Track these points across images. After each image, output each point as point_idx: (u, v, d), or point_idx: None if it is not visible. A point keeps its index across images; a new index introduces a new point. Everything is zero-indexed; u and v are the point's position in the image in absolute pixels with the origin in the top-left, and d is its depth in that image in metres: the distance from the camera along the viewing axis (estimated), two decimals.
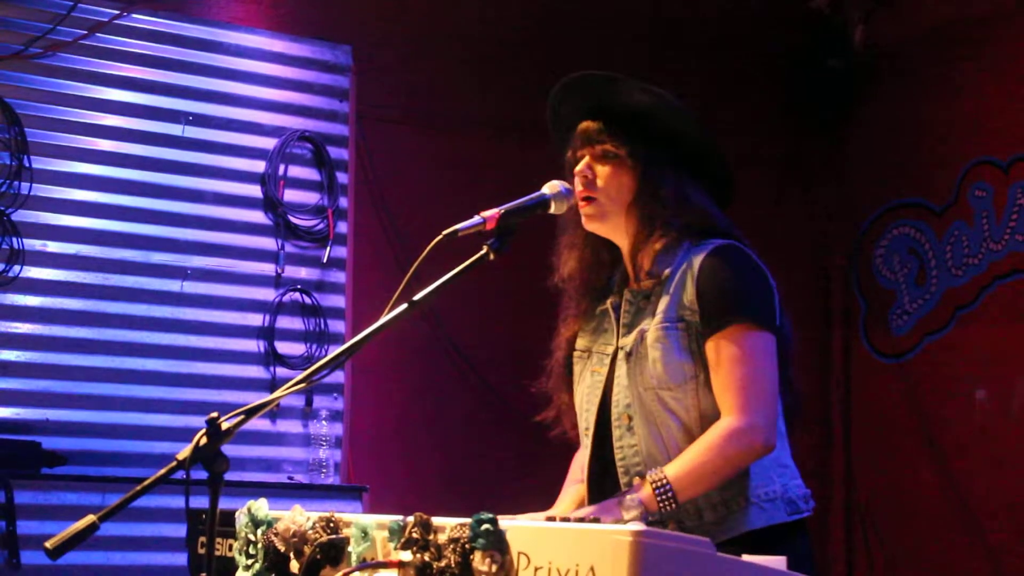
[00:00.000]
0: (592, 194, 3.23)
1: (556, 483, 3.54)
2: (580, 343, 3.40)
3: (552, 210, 3.14)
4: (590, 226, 3.28)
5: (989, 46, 6.73)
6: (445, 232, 2.85)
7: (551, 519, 2.76)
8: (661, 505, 2.95)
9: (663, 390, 3.14)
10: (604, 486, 3.26)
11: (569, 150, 3.32)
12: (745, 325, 3.11)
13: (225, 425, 2.50)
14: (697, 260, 3.18)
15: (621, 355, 3.23)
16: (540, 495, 3.50)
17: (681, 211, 3.24)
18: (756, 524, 3.11)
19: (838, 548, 7.20)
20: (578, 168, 3.25)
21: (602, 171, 3.24)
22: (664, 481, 2.96)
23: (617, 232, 3.28)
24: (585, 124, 3.28)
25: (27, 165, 5.26)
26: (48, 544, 2.40)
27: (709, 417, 3.12)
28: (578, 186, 3.24)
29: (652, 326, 3.17)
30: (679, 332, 3.15)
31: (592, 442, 3.30)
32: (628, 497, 2.94)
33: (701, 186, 3.30)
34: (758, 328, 3.12)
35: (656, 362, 3.14)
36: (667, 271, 3.21)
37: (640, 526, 2.28)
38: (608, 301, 3.34)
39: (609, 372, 3.27)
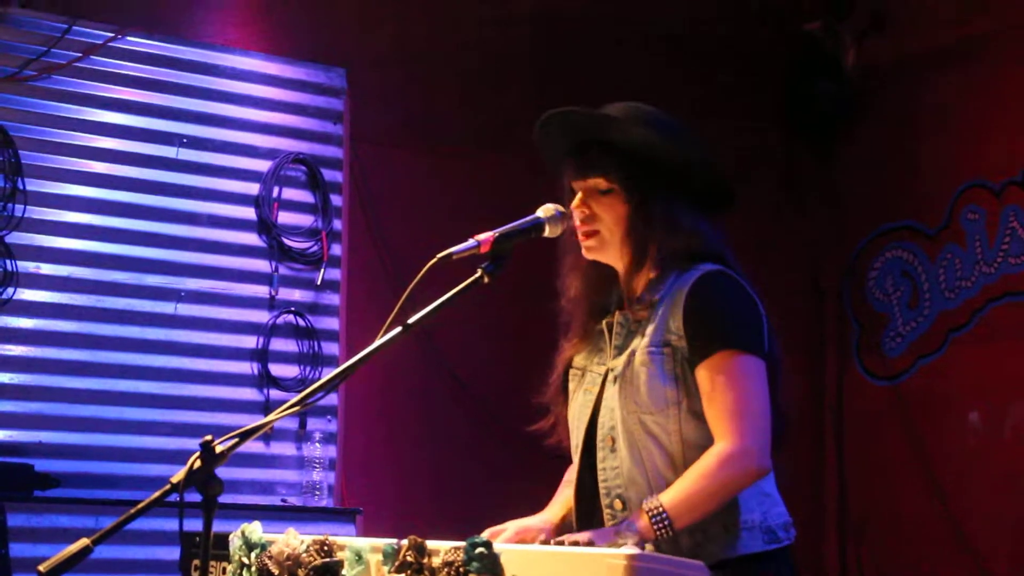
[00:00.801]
0: (592, 228, 3.25)
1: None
2: (577, 360, 3.41)
3: (547, 233, 3.15)
4: (589, 256, 3.30)
5: (982, 69, 6.75)
6: (439, 255, 2.86)
7: (545, 543, 2.76)
8: (658, 533, 2.94)
9: (645, 414, 3.15)
10: (590, 507, 3.26)
11: (564, 179, 3.34)
12: (734, 351, 3.10)
13: (219, 448, 2.50)
14: (685, 286, 3.18)
15: (611, 377, 3.24)
16: (534, 515, 3.49)
17: (673, 237, 3.24)
18: (732, 552, 3.09)
19: (832, 569, 7.19)
20: (575, 204, 3.26)
21: (597, 205, 3.25)
22: (660, 509, 2.95)
23: (614, 259, 3.29)
24: (572, 159, 3.30)
25: (21, 187, 5.26)
26: (41, 568, 2.39)
27: (691, 444, 3.12)
28: (577, 220, 3.25)
29: (640, 350, 3.18)
30: (664, 357, 3.15)
31: (580, 461, 3.31)
32: (624, 526, 2.93)
33: (695, 204, 3.30)
34: (747, 353, 3.12)
35: (641, 385, 3.15)
36: (656, 297, 3.22)
37: (634, 549, 2.29)
38: (604, 321, 3.35)
39: (599, 392, 3.28)
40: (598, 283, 3.38)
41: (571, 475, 3.47)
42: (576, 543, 2.73)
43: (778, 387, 3.20)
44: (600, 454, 3.23)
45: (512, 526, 3.26)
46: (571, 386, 3.40)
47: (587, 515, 3.26)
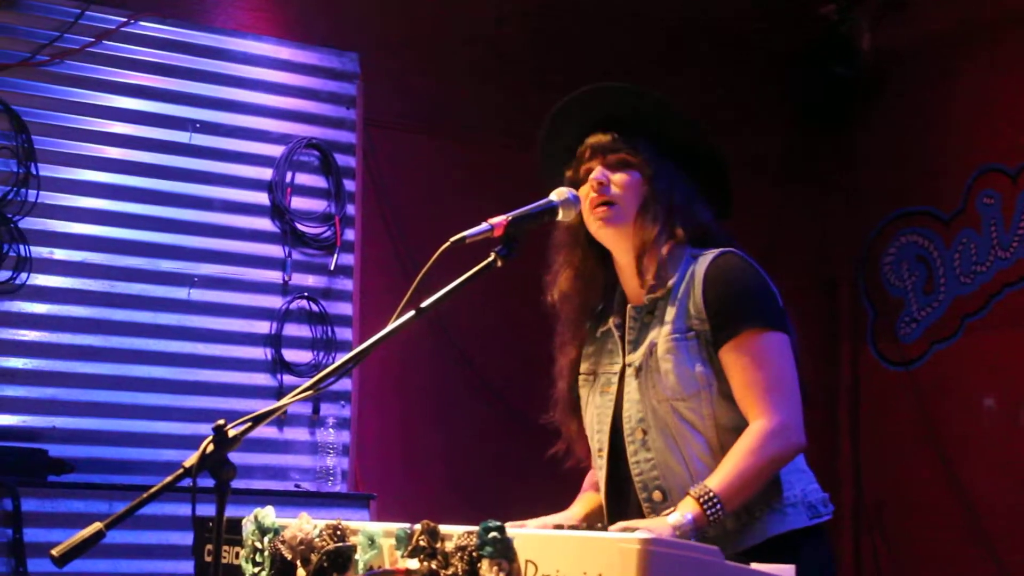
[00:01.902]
0: (609, 199, 3.22)
1: (564, 490, 3.53)
2: (584, 367, 3.39)
3: (560, 217, 3.13)
4: (602, 231, 3.25)
5: (997, 53, 6.72)
6: (453, 239, 2.84)
7: (559, 527, 2.75)
8: (711, 518, 2.91)
9: (677, 401, 3.13)
10: (621, 504, 3.24)
11: (569, 169, 3.31)
12: (758, 328, 3.10)
13: (232, 433, 2.50)
14: (700, 269, 3.18)
15: (630, 371, 3.22)
16: (548, 502, 3.49)
17: (687, 220, 3.24)
18: (778, 530, 3.10)
19: (846, 555, 7.18)
20: (593, 175, 3.24)
21: (617, 178, 3.23)
22: (711, 493, 2.92)
23: (622, 239, 3.26)
24: (597, 135, 3.28)
25: (34, 172, 5.27)
26: (54, 552, 2.39)
27: (724, 426, 3.11)
28: (593, 192, 3.23)
29: (661, 338, 3.17)
30: (689, 342, 3.14)
31: (607, 463, 3.28)
32: (677, 515, 2.90)
33: (702, 197, 3.30)
34: (771, 329, 3.12)
35: (668, 373, 3.13)
36: (671, 280, 3.20)
37: (647, 534, 2.27)
38: (610, 321, 3.33)
39: (618, 390, 3.26)
40: (590, 281, 3.37)
41: (591, 475, 3.46)
42: (628, 528, 2.72)
43: (797, 362, 3.20)
44: (631, 448, 3.21)
45: (533, 524, 3.25)
46: (583, 393, 3.39)
47: (620, 514, 3.23)
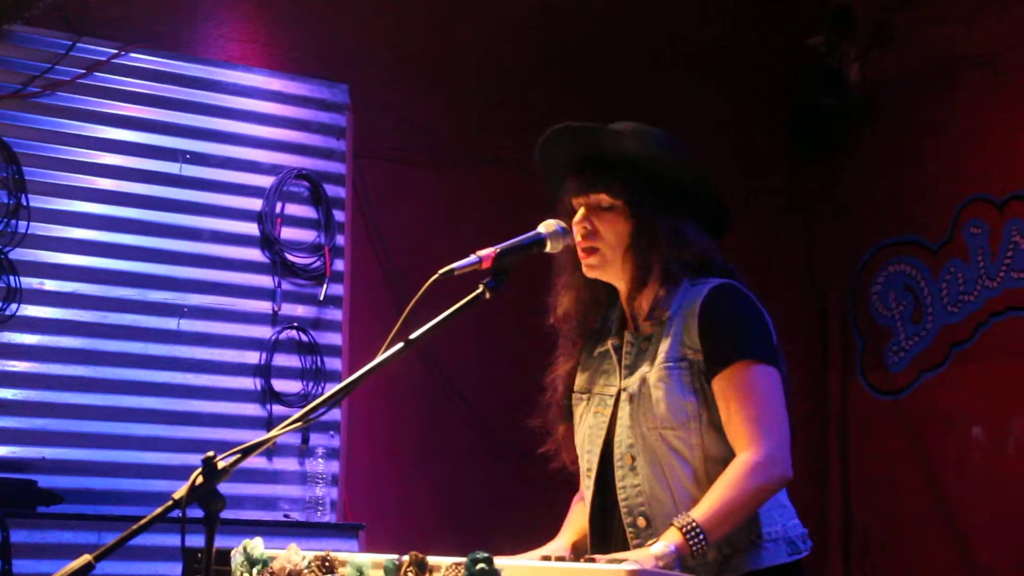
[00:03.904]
0: (594, 244, 3.25)
1: (553, 520, 3.53)
2: (579, 383, 3.40)
3: (548, 249, 3.15)
4: (591, 274, 3.29)
5: (985, 83, 6.75)
6: (441, 271, 2.86)
7: (547, 558, 2.76)
8: (694, 549, 2.92)
9: (667, 429, 3.15)
10: (606, 528, 3.25)
11: (563, 195, 3.34)
12: (750, 361, 3.12)
13: (221, 464, 2.50)
14: (697, 300, 3.19)
15: (624, 396, 3.24)
16: (537, 532, 3.49)
17: (678, 251, 3.25)
18: (759, 564, 3.11)
19: None
20: (576, 219, 3.26)
21: (600, 221, 3.25)
22: (694, 524, 2.93)
23: (616, 277, 3.29)
24: (576, 175, 3.30)
25: (25, 204, 5.27)
26: None
27: (712, 457, 3.12)
28: (578, 236, 3.25)
29: (654, 367, 3.18)
30: (681, 371, 3.15)
31: (594, 484, 3.29)
32: (660, 545, 2.92)
33: (696, 220, 3.31)
34: (763, 363, 3.14)
35: (659, 402, 3.15)
36: (667, 313, 3.22)
37: (636, 565, 2.28)
38: (609, 342, 3.34)
39: (612, 413, 3.27)
40: (591, 305, 3.39)
41: (577, 507, 3.47)
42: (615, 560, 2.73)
43: (788, 399, 3.21)
44: (619, 473, 3.22)
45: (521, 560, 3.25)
46: (576, 411, 3.40)
47: (602, 535, 3.25)
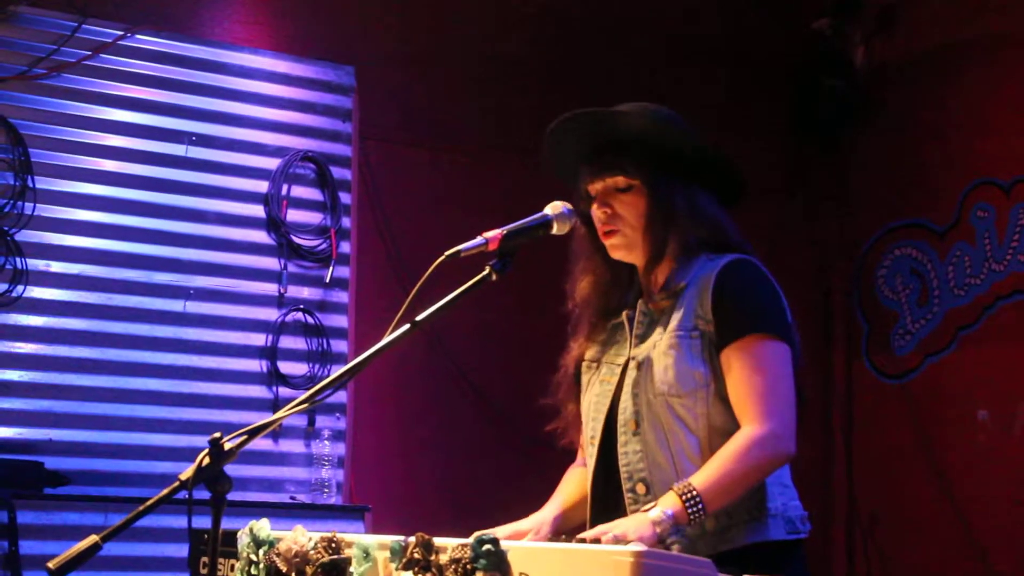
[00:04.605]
0: (615, 227, 3.27)
1: None
2: (589, 353, 3.41)
3: (554, 231, 3.15)
4: (616, 255, 3.31)
5: (991, 66, 6.74)
6: (447, 253, 2.86)
7: (556, 537, 2.76)
8: (692, 516, 2.93)
9: (673, 397, 3.15)
10: (607, 493, 3.26)
11: (578, 183, 3.34)
12: (762, 335, 3.14)
13: (228, 445, 2.51)
14: (713, 273, 3.21)
15: (632, 364, 3.25)
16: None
17: (695, 226, 3.27)
18: (755, 538, 3.12)
19: (840, 567, 7.19)
20: (595, 206, 3.29)
21: (618, 203, 3.27)
22: (693, 492, 2.94)
23: (637, 255, 3.31)
24: (589, 161, 3.32)
25: (30, 185, 5.28)
26: (51, 564, 2.40)
27: (717, 428, 3.13)
28: (599, 219, 3.28)
29: (665, 335, 3.19)
30: (692, 340, 3.17)
31: (598, 450, 3.30)
32: (657, 510, 2.93)
33: (711, 194, 3.32)
34: (775, 339, 3.15)
35: (668, 369, 3.16)
36: (682, 284, 3.23)
37: (641, 546, 2.29)
38: (623, 314, 3.35)
39: (619, 381, 3.28)
40: (610, 288, 3.40)
41: (571, 473, 3.48)
42: (597, 540, 2.74)
43: (798, 376, 3.21)
44: (621, 439, 3.23)
45: (504, 531, 3.26)
46: (584, 379, 3.41)
47: (603, 502, 3.26)
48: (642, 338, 3.27)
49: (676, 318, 3.20)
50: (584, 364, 3.42)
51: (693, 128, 3.35)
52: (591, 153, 3.32)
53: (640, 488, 3.17)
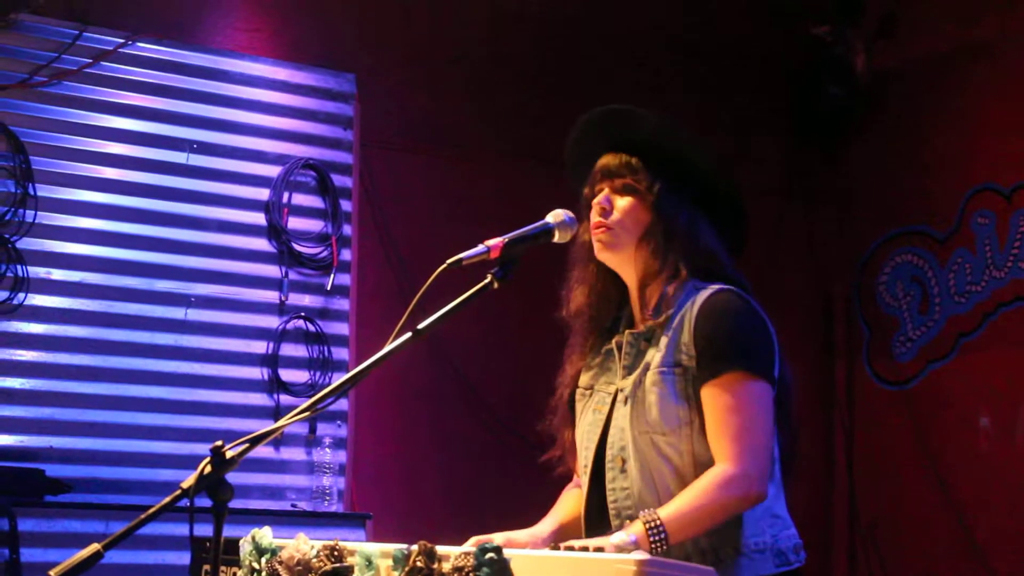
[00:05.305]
0: (608, 223, 3.24)
1: None
2: (583, 380, 3.39)
3: (556, 239, 3.14)
4: (602, 255, 3.28)
5: (992, 73, 6.75)
6: (449, 261, 2.85)
7: (555, 547, 2.76)
8: (653, 545, 2.91)
9: (658, 435, 3.14)
10: (602, 520, 3.25)
11: (586, 186, 3.33)
12: (741, 374, 3.09)
13: (229, 453, 2.50)
14: (697, 304, 3.17)
15: (620, 397, 3.23)
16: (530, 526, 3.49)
17: (689, 250, 3.24)
18: (745, 574, 3.10)
19: (841, 573, 7.18)
20: (597, 199, 3.26)
21: (620, 203, 3.25)
22: (657, 521, 2.93)
23: (626, 264, 3.28)
24: (607, 158, 3.30)
25: (32, 193, 5.28)
26: (52, 573, 2.39)
27: (703, 463, 3.11)
28: (595, 216, 3.26)
29: (650, 371, 3.17)
30: (675, 377, 3.14)
31: (589, 481, 3.30)
32: (623, 535, 2.92)
33: (713, 229, 3.30)
34: (754, 377, 3.11)
35: (652, 407, 3.14)
36: (670, 312, 3.20)
37: (644, 555, 2.28)
38: (613, 341, 3.34)
39: (609, 412, 3.27)
40: (603, 300, 3.38)
41: (569, 493, 3.47)
42: (586, 548, 2.74)
43: (790, 414, 3.20)
44: (609, 475, 3.22)
45: (499, 538, 3.25)
46: (578, 406, 3.40)
47: (597, 529, 3.25)
48: (630, 369, 3.24)
49: (661, 351, 3.17)
50: (579, 391, 3.41)
51: (717, 159, 3.33)
52: (611, 149, 3.30)
53: (628, 524, 3.16)
